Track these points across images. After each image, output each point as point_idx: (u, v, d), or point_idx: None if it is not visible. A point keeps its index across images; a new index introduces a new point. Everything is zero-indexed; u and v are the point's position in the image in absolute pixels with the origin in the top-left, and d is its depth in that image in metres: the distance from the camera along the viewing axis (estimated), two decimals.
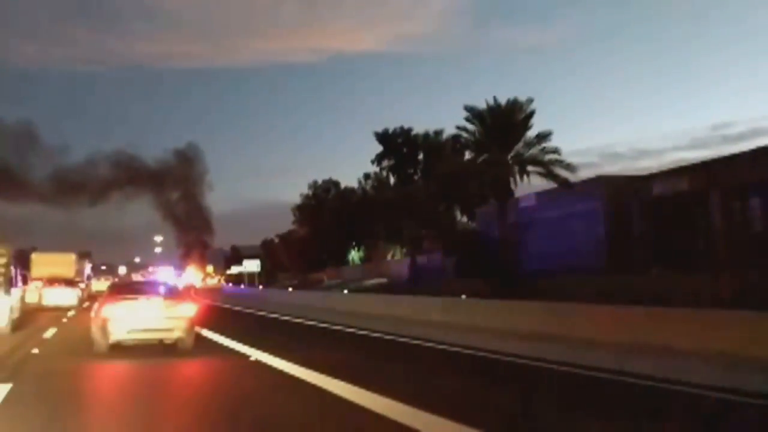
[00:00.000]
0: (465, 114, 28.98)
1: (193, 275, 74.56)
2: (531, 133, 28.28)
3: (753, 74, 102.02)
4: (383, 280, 47.88)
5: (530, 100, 28.48)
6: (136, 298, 12.60)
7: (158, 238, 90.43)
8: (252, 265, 60.08)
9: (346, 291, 28.10)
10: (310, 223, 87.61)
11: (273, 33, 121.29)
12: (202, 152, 71.68)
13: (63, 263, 33.71)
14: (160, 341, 12.38)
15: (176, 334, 12.19)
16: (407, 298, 20.45)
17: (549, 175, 27.36)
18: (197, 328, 15.50)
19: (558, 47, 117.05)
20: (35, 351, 11.67)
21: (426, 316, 16.27)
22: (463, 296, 19.17)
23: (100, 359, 11.32)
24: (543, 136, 27.87)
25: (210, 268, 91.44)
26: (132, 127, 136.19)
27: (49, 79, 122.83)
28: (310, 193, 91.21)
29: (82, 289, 34.03)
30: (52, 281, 28.91)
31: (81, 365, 10.65)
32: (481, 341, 12.85)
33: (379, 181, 71.57)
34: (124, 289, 14.70)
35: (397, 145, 63.58)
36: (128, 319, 11.84)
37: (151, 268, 54.80)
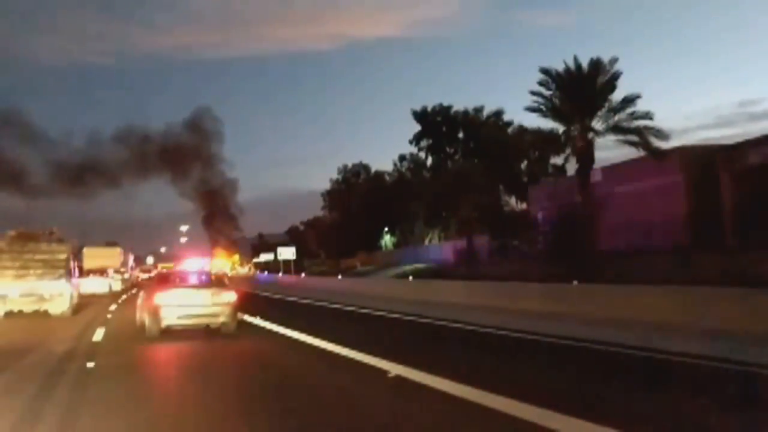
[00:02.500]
0: (540, 77, 25.71)
1: (224, 263, 72.13)
2: (616, 97, 25.00)
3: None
4: (431, 265, 44.99)
5: (614, 60, 25.23)
6: (185, 287, 13.80)
7: (184, 228, 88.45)
8: (287, 253, 57.66)
9: (411, 278, 25.23)
10: (340, 208, 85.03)
11: (290, 21, 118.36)
12: (212, 115, 63.43)
13: (110, 256, 37.20)
14: (207, 326, 13.08)
15: (221, 319, 13.08)
16: (526, 286, 17.44)
17: (641, 143, 24.05)
18: (275, 327, 13.07)
19: (577, 28, 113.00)
20: (90, 365, 9.01)
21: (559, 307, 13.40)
22: (575, 282, 16.19)
23: (169, 376, 8.89)
24: (629, 100, 24.62)
25: (236, 257, 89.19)
26: (152, 119, 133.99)
27: (66, 73, 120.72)
28: (340, 177, 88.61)
29: (125, 279, 37.39)
30: (88, 272, 30.94)
31: (149, 384, 8.24)
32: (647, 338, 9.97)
33: (416, 162, 68.65)
34: (172, 278, 15.36)
35: (435, 123, 60.45)
36: (179, 306, 12.72)
37: (190, 259, 52.94)
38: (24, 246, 18.94)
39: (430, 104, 61.23)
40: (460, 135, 60.11)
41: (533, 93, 25.62)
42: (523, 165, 56.10)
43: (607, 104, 24.91)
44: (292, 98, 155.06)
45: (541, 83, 25.82)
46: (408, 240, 74.61)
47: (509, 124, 58.61)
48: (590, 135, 25.31)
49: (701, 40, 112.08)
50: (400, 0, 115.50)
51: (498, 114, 58.87)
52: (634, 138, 24.05)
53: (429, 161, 63.66)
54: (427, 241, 68.22)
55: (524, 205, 50.04)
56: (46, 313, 18.00)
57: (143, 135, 57.22)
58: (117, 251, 39.35)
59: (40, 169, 54.60)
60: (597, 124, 25.22)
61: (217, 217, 69.13)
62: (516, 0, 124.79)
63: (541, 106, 25.64)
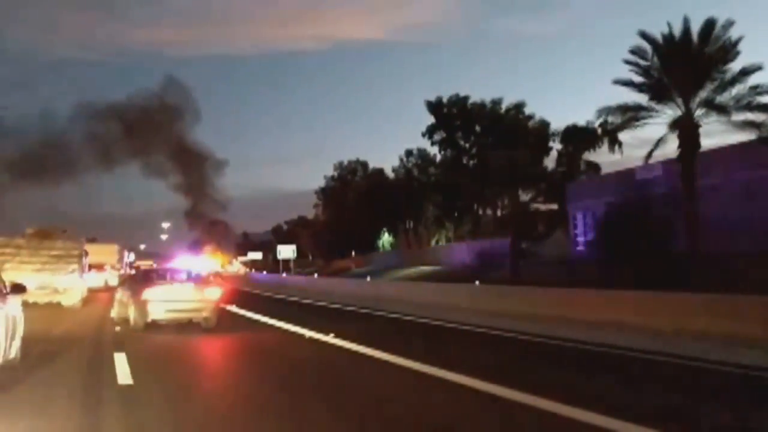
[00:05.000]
0: (638, 42, 21.08)
1: (213, 262, 66.98)
2: (733, 68, 20.41)
3: (747, 60, 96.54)
4: (442, 268, 40.51)
5: (729, 23, 20.54)
6: (171, 283, 14.68)
7: (165, 225, 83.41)
8: (287, 251, 52.87)
9: (477, 282, 20.59)
10: (334, 206, 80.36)
11: (274, 21, 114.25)
12: (180, 86, 51.86)
13: (109, 253, 39.19)
14: (190, 320, 13.75)
15: (204, 314, 13.70)
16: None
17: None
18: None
19: (559, 37, 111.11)
20: None
21: None
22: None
23: None
24: (747, 72, 20.11)
25: (219, 255, 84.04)
26: None
27: (47, 67, 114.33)
28: (336, 174, 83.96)
29: (122, 275, 37.49)
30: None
31: None
32: None
33: (423, 158, 64.19)
34: (158, 274, 15.99)
35: (450, 115, 56.01)
36: (165, 301, 13.44)
37: (182, 257, 48.00)
38: (41, 243, 20.54)
39: (411, 108, 56.59)
40: (477, 128, 55.62)
41: (627, 62, 21.06)
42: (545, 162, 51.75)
43: (720, 77, 20.46)
44: (274, 98, 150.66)
45: (634, 51, 21.29)
46: (410, 241, 69.90)
47: (530, 117, 54.42)
48: (697, 113, 20.81)
49: None
50: (384, 3, 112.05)
51: (519, 107, 54.57)
52: (761, 117, 19.61)
53: (440, 155, 59.15)
54: (433, 242, 63.55)
55: (554, 205, 45.53)
56: (59, 305, 19.19)
57: (106, 107, 48.71)
58: (114, 248, 41.08)
59: (6, 162, 48.21)
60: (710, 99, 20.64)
61: (199, 189, 55.25)
62: (496, 7, 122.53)
63: (635, 78, 21.06)
